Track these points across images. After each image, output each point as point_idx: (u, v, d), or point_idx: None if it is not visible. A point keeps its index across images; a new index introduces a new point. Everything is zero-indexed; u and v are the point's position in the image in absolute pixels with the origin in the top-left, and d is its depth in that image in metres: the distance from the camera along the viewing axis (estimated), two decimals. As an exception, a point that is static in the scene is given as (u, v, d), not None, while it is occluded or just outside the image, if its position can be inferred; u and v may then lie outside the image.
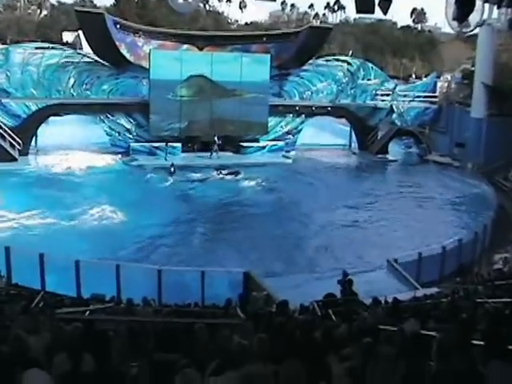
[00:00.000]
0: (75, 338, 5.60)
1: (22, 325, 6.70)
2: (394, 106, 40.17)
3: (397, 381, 4.88)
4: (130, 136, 35.84)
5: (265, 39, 38.78)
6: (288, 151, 38.26)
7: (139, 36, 36.45)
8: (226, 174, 32.61)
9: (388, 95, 40.49)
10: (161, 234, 23.25)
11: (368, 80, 40.34)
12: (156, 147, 35.29)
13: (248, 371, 2.55)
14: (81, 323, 6.91)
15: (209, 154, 35.49)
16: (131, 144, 35.44)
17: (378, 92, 40.39)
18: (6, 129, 32.74)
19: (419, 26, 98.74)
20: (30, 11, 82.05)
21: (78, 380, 4.79)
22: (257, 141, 37.69)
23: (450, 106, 39.99)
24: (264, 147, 37.60)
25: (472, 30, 28.13)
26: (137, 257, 20.02)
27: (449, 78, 43.61)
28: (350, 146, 41.37)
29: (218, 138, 35.44)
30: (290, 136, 39.21)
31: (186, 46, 37.66)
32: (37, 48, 34.87)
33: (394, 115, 40.30)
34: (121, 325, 7.27)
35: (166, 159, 34.06)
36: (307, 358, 4.66)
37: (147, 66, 34.83)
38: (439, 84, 42.25)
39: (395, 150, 40.73)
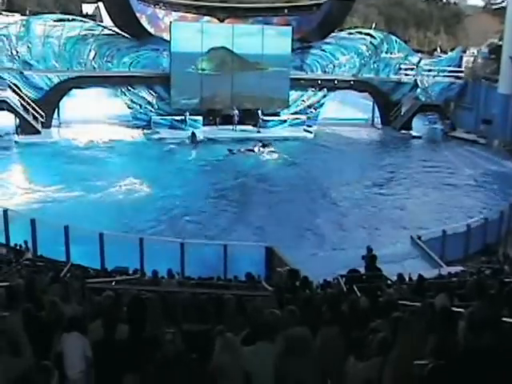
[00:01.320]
0: (108, 306, 5.74)
1: (55, 293, 6.88)
2: (418, 81, 39.49)
3: (427, 355, 4.92)
4: (152, 109, 35.90)
5: (286, 11, 38.35)
6: (309, 125, 37.96)
7: (160, 8, 36.30)
8: (262, 146, 32.45)
9: (412, 69, 39.80)
10: (183, 206, 23.44)
11: (391, 54, 39.66)
12: (177, 120, 35.33)
13: (292, 334, 2.60)
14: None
15: (230, 126, 35.47)
16: (152, 117, 35.52)
17: (401, 66, 39.72)
18: (29, 101, 32.99)
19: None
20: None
21: (112, 346, 4.90)
22: (278, 114, 37.49)
23: (476, 82, 39.15)
24: (285, 121, 37.42)
25: (501, 3, 27.47)
26: (160, 229, 20.24)
27: (475, 52, 42.64)
28: (373, 121, 40.90)
29: (238, 111, 35.35)
30: (312, 110, 38.89)
31: (206, 18, 37.43)
32: (57, 20, 34.89)
33: (419, 90, 39.64)
34: (153, 295, 7.41)
35: (184, 129, 34.39)
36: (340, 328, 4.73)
37: (168, 38, 34.70)
38: (465, 59, 41.33)
39: (419, 126, 40.12)
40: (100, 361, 4.94)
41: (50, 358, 4.98)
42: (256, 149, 31.91)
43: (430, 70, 40.16)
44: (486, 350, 4.55)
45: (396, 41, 40.43)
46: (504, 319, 5.16)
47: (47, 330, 5.32)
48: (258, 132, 35.39)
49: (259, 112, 35.45)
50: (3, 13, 62.34)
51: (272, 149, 32.13)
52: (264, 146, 32.26)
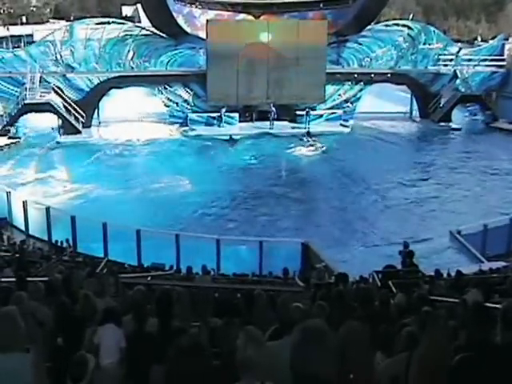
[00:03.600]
0: (139, 300, 5.82)
1: (89, 288, 7.03)
2: (457, 71, 38.54)
3: (456, 350, 4.80)
4: (188, 106, 36.18)
5: (322, 5, 37.92)
6: (346, 120, 37.55)
7: (196, 7, 36.53)
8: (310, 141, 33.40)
9: (451, 60, 38.85)
10: (222, 203, 23.59)
11: (430, 45, 38.83)
12: (213, 117, 35.56)
13: (307, 325, 2.56)
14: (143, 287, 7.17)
15: (266, 123, 35.41)
16: (189, 114, 35.79)
17: (440, 57, 38.85)
18: (71, 102, 33.84)
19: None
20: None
21: (142, 338, 5.02)
22: (314, 109, 37.25)
23: (519, 70, 38.04)
24: (321, 116, 37.12)
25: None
26: (197, 226, 20.42)
27: (518, 40, 41.41)
28: (411, 114, 40.16)
29: (274, 107, 35.28)
30: (349, 104, 38.43)
31: (242, 15, 37.43)
32: (98, 23, 35.60)
33: (458, 81, 38.68)
34: (183, 290, 7.48)
35: (219, 126, 34.59)
36: (367, 324, 4.65)
37: (204, 37, 34.84)
38: (507, 46, 40.03)
39: (459, 118, 39.15)
40: (131, 352, 5.06)
41: (83, 349, 5.10)
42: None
43: (469, 60, 39.15)
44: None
45: (434, 31, 39.60)
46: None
47: (80, 322, 5.45)
48: (271, 128, 35.15)
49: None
50: (50, 20, 64.17)
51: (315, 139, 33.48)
52: (310, 136, 33.45)
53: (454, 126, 38.14)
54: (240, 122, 35.84)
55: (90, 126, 34.62)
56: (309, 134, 34.32)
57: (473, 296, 7.16)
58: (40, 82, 33.07)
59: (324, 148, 32.50)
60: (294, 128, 35.67)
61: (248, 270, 14.20)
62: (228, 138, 33.72)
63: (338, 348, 3.13)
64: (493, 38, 45.76)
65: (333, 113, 37.45)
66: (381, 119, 38.49)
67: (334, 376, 2.49)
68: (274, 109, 35.20)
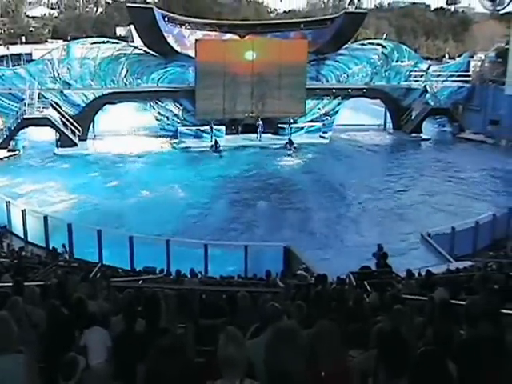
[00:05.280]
0: (129, 303, 5.79)
1: (83, 291, 6.98)
2: (427, 86, 38.97)
3: (425, 345, 4.81)
4: (178, 120, 36.09)
5: (302, 26, 38.18)
6: (325, 132, 37.75)
7: (185, 27, 36.55)
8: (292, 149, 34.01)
9: (421, 76, 39.27)
10: (210, 210, 23.58)
11: (402, 62, 39.20)
12: (202, 130, 35.51)
13: (279, 325, 2.57)
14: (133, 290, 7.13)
15: (251, 135, 35.45)
16: (179, 128, 35.73)
17: (411, 73, 39.24)
18: (68, 117, 33.67)
19: (452, 8, 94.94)
20: (87, 9, 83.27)
21: (131, 338, 4.98)
22: (295, 122, 37.35)
23: (483, 85, 38.52)
24: (302, 128, 37.27)
25: (505, 8, 26.92)
26: (187, 232, 20.35)
27: (482, 57, 41.91)
28: (385, 126, 40.48)
29: (260, 120, 35.34)
30: (327, 117, 38.55)
31: (228, 35, 37.52)
32: (93, 43, 35.51)
33: (428, 95, 39.10)
34: (170, 292, 7.45)
35: (211, 139, 34.49)
36: (340, 322, 4.65)
37: (193, 55, 34.84)
38: (472, 63, 40.67)
39: (429, 129, 39.61)
40: (120, 351, 5.02)
41: (74, 350, 5.06)
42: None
43: (438, 76, 39.65)
44: (482, 340, 4.41)
45: (406, 49, 40.05)
46: (504, 311, 5.02)
47: (71, 324, 5.41)
48: (260, 140, 35.22)
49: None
50: (49, 40, 63.88)
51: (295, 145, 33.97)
52: (291, 143, 33.85)
53: (424, 136, 38.55)
54: (227, 134, 35.86)
55: (85, 139, 34.38)
56: (290, 143, 34.37)
57: (440, 294, 7.21)
58: (38, 97, 32.86)
59: (304, 158, 32.58)
60: (277, 140, 35.74)
61: (234, 272, 14.17)
62: (212, 144, 33.77)
63: (309, 347, 3.14)
64: (459, 56, 46.38)
65: (313, 125, 37.63)
66: (357, 131, 38.81)
67: (304, 373, 2.50)
68: (261, 123, 35.30)
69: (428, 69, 39.81)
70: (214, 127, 35.30)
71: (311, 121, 37.99)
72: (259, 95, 36.00)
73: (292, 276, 12.26)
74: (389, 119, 40.18)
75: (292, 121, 36.18)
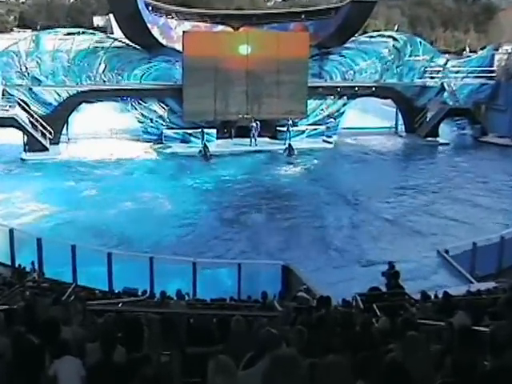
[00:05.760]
0: (107, 328, 5.78)
1: (54, 315, 6.95)
2: (445, 84, 39.21)
3: (443, 377, 4.81)
4: (163, 123, 36.25)
5: (303, 17, 38.53)
6: (329, 136, 37.97)
7: (172, 17, 36.79)
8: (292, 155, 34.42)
9: (438, 72, 39.56)
10: (200, 223, 23.58)
11: (416, 56, 39.51)
12: (190, 134, 35.67)
13: (277, 354, 2.57)
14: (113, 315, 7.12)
15: (246, 139, 35.63)
16: (164, 131, 35.90)
17: (427, 69, 39.55)
18: (38, 118, 33.53)
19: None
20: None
21: (109, 369, 4.97)
22: (295, 125, 37.54)
23: (509, 81, 38.60)
24: (303, 132, 37.47)
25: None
26: (174, 248, 20.36)
27: (509, 49, 42.05)
28: (397, 128, 40.75)
29: (256, 122, 35.56)
30: (332, 119, 38.84)
31: (220, 27, 37.78)
32: (67, 34, 35.50)
33: (445, 94, 39.36)
34: (154, 317, 7.44)
35: (201, 144, 34.70)
36: (347, 353, 4.66)
37: (180, 49, 35.07)
38: (497, 57, 40.72)
39: (447, 132, 39.81)
40: (96, 382, 5.01)
41: (43, 382, 5.04)
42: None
43: (457, 72, 39.90)
44: (507, 370, 4.40)
45: (421, 42, 40.36)
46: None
47: (40, 353, 5.37)
48: (256, 145, 35.51)
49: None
50: (15, 29, 63.94)
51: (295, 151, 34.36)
52: (291, 149, 34.23)
53: (441, 140, 38.74)
54: (218, 138, 36.03)
55: (58, 143, 34.34)
56: (290, 150, 34.56)
57: (460, 319, 7.22)
58: (3, 95, 32.83)
59: (306, 165, 32.77)
60: (275, 144, 36.00)
61: (226, 294, 14.17)
62: (201, 149, 34.01)
63: (310, 379, 3.14)
64: (482, 49, 46.71)
65: (315, 129, 37.86)
66: (365, 135, 39.07)
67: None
68: (255, 124, 35.49)
69: (446, 64, 40.11)
70: (205, 131, 35.45)
71: (313, 123, 38.24)
72: (255, 94, 36.19)
73: (291, 298, 12.26)
74: (401, 121, 40.42)
75: (291, 123, 36.38)
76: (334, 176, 30.74)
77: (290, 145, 35.02)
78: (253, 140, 35.55)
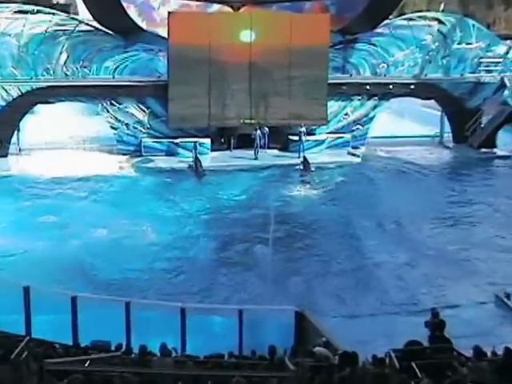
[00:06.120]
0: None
1: (3, 378, 7.09)
2: (505, 79, 39.43)
3: None
4: (142, 129, 36.56)
5: (323, -6, 39.14)
6: (356, 147, 38.34)
7: (154, -6, 37.34)
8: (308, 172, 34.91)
9: (497, 64, 39.87)
10: (190, 260, 23.68)
11: (467, 44, 39.87)
12: (177, 144, 36.06)
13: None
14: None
15: (248, 151, 36.11)
16: (143, 140, 36.26)
17: (482, 60, 39.89)
18: (-21, 123, 33.91)
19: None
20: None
21: None
22: (312, 133, 37.89)
23: None
24: (322, 142, 37.84)
25: None
26: (156, 290, 20.45)
27: None
28: (442, 137, 41.02)
29: (263, 129, 36.06)
30: (359, 126, 39.17)
31: (216, 7, 38.24)
32: (17, 12, 35.54)
33: (507, 92, 39.56)
34: (131, 378, 7.60)
35: (192, 157, 35.10)
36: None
37: (165, 35, 35.48)
38: None
39: (507, 142, 39.86)
40: None
41: None
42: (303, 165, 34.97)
43: (523, 64, 40.17)
44: None
45: (474, 26, 40.45)
46: None
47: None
48: (256, 159, 36.01)
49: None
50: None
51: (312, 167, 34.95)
52: (307, 163, 34.68)
53: (499, 152, 38.92)
54: (213, 150, 36.43)
55: (6, 155, 34.69)
56: (305, 165, 34.83)
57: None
58: None
59: (326, 185, 32.86)
60: (286, 158, 36.36)
61: (224, 349, 14.26)
62: (192, 162, 34.45)
63: None
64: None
65: (338, 138, 38.27)
66: (402, 146, 39.25)
67: None
68: (260, 133, 35.88)
69: (507, 53, 40.33)
70: (197, 140, 35.83)
71: (335, 131, 38.64)
72: (260, 94, 36.67)
73: (307, 354, 12.35)
74: (447, 128, 40.70)
75: (304, 130, 36.55)
76: (363, 199, 30.71)
77: (305, 158, 35.30)
78: (258, 152, 35.92)
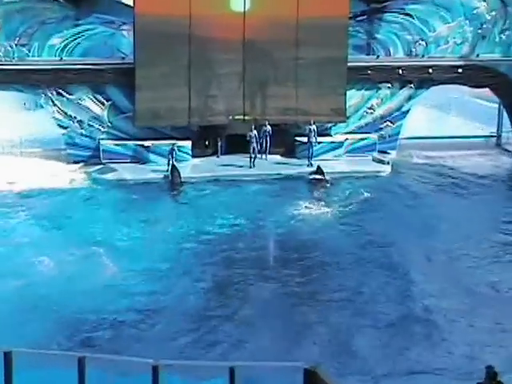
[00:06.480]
0: None
1: None
2: None
3: None
4: (101, 128, 36.78)
5: None
6: (384, 152, 38.67)
7: None
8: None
9: None
10: (164, 300, 23.70)
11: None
12: (147, 148, 36.26)
13: None
14: None
15: (242, 157, 36.41)
16: (102, 143, 36.45)
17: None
18: None
19: None
20: None
21: None
22: (326, 133, 38.19)
23: None
24: (340, 145, 38.07)
25: None
26: (118, 342, 20.62)
27: None
28: (500, 138, 41.43)
29: (265, 127, 36.27)
30: (388, 124, 39.48)
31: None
32: None
33: None
34: None
35: (170, 172, 35.13)
36: None
37: (130, 2, 35.54)
38: None
39: None
40: None
41: None
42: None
43: None
44: None
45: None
46: None
47: None
48: (252, 167, 36.29)
49: (310, 130, 36.27)
50: None
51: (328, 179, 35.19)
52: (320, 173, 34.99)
53: None
54: (195, 156, 36.68)
55: None
56: (319, 176, 35.13)
57: None
58: None
59: (346, 204, 32.98)
60: (291, 167, 36.67)
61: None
62: (167, 172, 34.76)
63: None
64: None
65: (360, 139, 38.54)
66: (446, 149, 39.65)
67: None
68: (256, 132, 35.99)
69: None
70: (175, 143, 36.00)
71: (357, 131, 38.97)
72: (257, 81, 36.98)
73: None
74: (507, 126, 41.02)
75: (315, 129, 36.61)
76: (395, 222, 30.72)
77: (318, 167, 35.54)
78: (255, 159, 36.11)
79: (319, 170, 35.51)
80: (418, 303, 24.00)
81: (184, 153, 36.46)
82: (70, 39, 36.73)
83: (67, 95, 36.47)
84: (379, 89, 39.26)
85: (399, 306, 23.87)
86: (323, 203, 33.37)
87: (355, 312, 23.54)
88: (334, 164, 36.93)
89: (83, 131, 36.84)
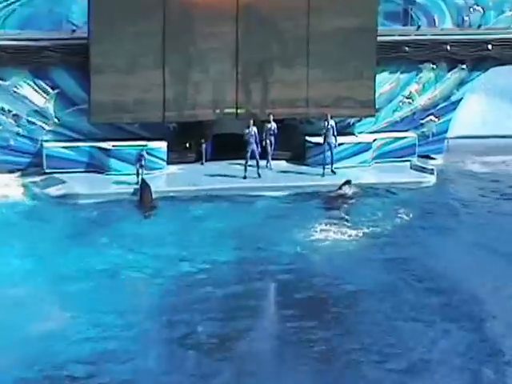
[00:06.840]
0: None
1: None
2: None
3: None
4: (44, 125, 37.04)
5: None
6: (428, 155, 39.03)
7: None
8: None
9: None
10: (140, 351, 23.83)
11: None
12: (108, 151, 36.54)
13: None
14: None
15: (234, 164, 36.90)
16: (46, 145, 36.73)
17: None
18: None
19: None
20: None
21: None
22: (349, 132, 38.64)
23: None
24: (367, 147, 38.51)
25: None
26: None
27: None
28: None
29: (269, 124, 36.54)
30: (432, 118, 39.90)
31: None
32: None
33: None
34: None
35: (140, 185, 35.27)
36: None
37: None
38: None
39: None
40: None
41: None
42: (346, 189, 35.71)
43: None
44: None
45: None
46: None
47: None
48: (258, 176, 36.65)
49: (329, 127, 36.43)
50: None
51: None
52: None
53: None
54: (171, 162, 37.02)
55: None
56: (343, 188, 35.29)
57: None
58: None
59: (377, 225, 33.08)
60: (302, 176, 37.01)
61: None
62: (136, 183, 34.91)
63: None
64: None
65: (394, 139, 38.98)
66: (510, 153, 40.03)
67: None
68: (256, 130, 36.24)
69: None
70: (145, 145, 36.32)
71: (389, 128, 39.53)
72: (255, 63, 37.30)
73: None
74: None
75: (333, 125, 36.86)
76: (433, 249, 31.10)
77: (348, 180, 35.64)
78: (258, 165, 36.48)
79: (348, 183, 35.59)
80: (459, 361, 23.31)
81: (157, 158, 36.68)
82: (2, 5, 36.77)
83: (-1, 82, 36.49)
84: (420, 71, 39.50)
85: (428, 345, 23.80)
86: (346, 224, 33.38)
87: (379, 356, 22.94)
88: (359, 173, 37.29)
89: (20, 130, 37.00)
